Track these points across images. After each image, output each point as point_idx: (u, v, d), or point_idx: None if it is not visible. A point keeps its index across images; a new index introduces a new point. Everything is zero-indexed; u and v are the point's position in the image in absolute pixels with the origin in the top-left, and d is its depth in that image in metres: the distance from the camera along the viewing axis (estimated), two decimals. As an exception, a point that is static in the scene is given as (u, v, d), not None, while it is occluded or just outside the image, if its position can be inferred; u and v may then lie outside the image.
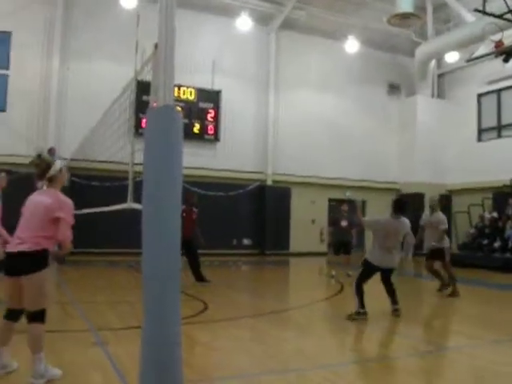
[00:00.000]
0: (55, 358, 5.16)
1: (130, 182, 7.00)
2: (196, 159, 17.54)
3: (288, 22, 21.18)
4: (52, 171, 4.75)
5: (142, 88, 8.37)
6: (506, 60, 12.88)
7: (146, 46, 6.79)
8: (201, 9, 19.65)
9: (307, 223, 21.40)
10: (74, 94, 17.90)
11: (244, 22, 20.34)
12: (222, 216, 19.38)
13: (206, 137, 19.76)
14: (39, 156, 4.86)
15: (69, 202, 4.78)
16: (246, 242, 18.91)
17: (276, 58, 21.51)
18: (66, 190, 15.80)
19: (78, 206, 14.21)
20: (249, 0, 20.00)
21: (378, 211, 22.99)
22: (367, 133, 22.97)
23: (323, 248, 21.14)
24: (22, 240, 4.51)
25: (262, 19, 21.10)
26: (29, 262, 4.46)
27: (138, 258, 12.93)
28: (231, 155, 20.03)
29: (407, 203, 8.38)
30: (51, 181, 4.77)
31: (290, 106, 21.55)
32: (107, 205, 10.20)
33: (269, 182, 20.99)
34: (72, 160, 15.20)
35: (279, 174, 21.06)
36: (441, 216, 10.48)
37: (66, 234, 4.63)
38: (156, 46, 3.29)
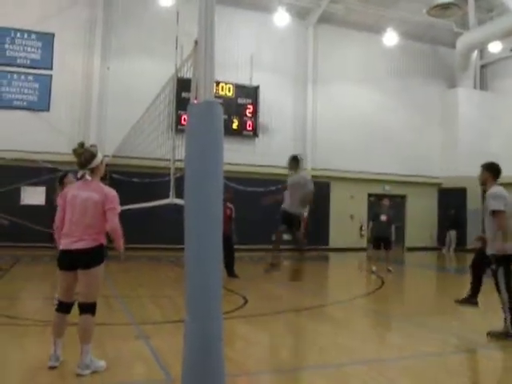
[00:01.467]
0: (99, 351, 5.28)
1: (172, 178, 7.08)
2: (235, 155, 17.59)
3: (326, 16, 21.02)
4: (95, 162, 4.85)
5: (182, 85, 8.41)
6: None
7: (185, 43, 6.87)
8: (238, 4, 19.70)
9: (346, 218, 21.24)
10: (115, 92, 18.18)
11: (281, 17, 20.25)
12: (261, 211, 19.36)
13: (245, 133, 19.80)
14: (82, 145, 4.99)
15: (113, 192, 4.90)
16: (285, 237, 18.84)
17: (314, 52, 21.38)
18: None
19: (121, 202, 14.40)
20: (286, -6, 19.96)
21: (419, 206, 22.75)
22: (407, 126, 22.61)
23: (363, 243, 21.00)
24: (77, 237, 4.63)
25: (299, 14, 21.01)
26: (87, 258, 4.63)
27: (177, 253, 13.08)
28: (270, 150, 20.01)
29: None
30: (93, 171, 4.86)
31: (328, 100, 21.39)
32: (147, 201, 10.37)
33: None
34: (113, 157, 15.47)
35: (318, 168, 20.92)
36: None
37: (114, 223, 4.77)
38: (196, 43, 3.33)
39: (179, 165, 7.09)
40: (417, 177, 22.51)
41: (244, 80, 19.71)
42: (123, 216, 15.71)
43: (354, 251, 20.11)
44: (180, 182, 6.84)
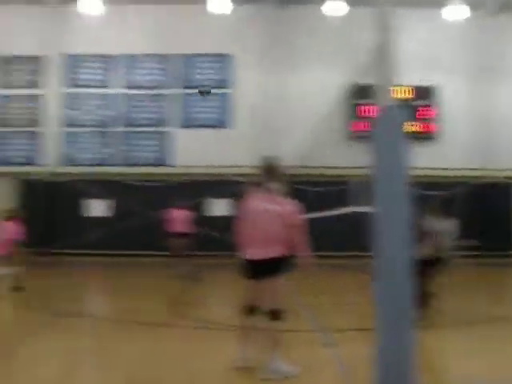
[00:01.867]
0: (287, 357, 5.42)
1: (353, 186, 7.05)
2: (415, 158, 16.94)
3: (506, 4, 19.41)
4: (279, 174, 5.11)
5: (356, 91, 8.40)
6: None
7: (356, 51, 6.83)
8: (408, 4, 19.06)
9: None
10: (292, 105, 18.64)
11: (455, 11, 19.16)
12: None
13: (424, 135, 19.05)
14: (267, 159, 5.25)
15: (296, 205, 5.05)
16: (470, 243, 17.64)
17: (495, 44, 19.85)
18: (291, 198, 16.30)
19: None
20: (460, -13, 18.90)
21: None
22: None
23: None
24: (263, 248, 4.83)
25: (474, 5, 19.67)
26: (273, 267, 4.84)
27: (357, 260, 12.94)
28: (452, 153, 18.96)
29: None
30: (276, 183, 5.04)
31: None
32: (324, 210, 10.46)
33: (492, 179, 19.39)
34: (293, 167, 15.88)
35: (503, 169, 19.31)
36: None
37: (300, 237, 4.97)
38: (375, 48, 3.29)
39: (355, 172, 7.05)
40: None
41: (422, 81, 18.96)
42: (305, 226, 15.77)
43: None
44: (360, 188, 6.83)
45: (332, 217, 10.14)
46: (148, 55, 19.19)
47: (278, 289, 4.90)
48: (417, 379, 2.90)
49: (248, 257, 4.94)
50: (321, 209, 11.14)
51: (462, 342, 6.44)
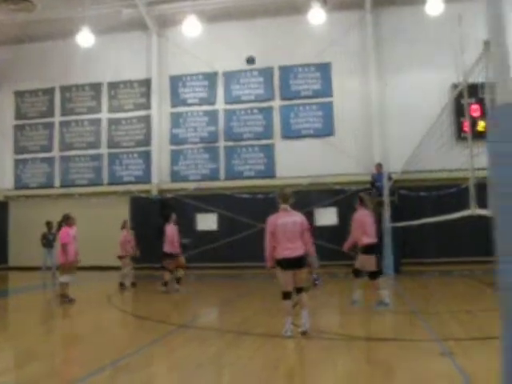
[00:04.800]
0: (405, 366, 5.30)
1: (472, 188, 6.75)
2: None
3: None
4: (291, 199, 7.14)
5: (461, 91, 7.99)
6: None
7: (460, 48, 6.56)
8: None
9: None
10: (394, 109, 18.28)
11: None
12: None
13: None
14: (283, 189, 7.37)
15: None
16: None
17: None
18: (396, 203, 16.07)
19: (406, 217, 14.39)
20: None
21: None
22: None
23: None
24: (296, 248, 6.87)
25: None
26: (302, 261, 6.97)
27: (473, 266, 12.35)
28: None
29: None
30: (290, 205, 7.13)
31: None
32: (435, 214, 10.10)
33: None
34: (401, 173, 15.53)
35: None
36: None
37: (310, 240, 7.09)
38: (486, 43, 3.17)
39: (463, 174, 6.78)
40: None
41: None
42: (414, 232, 15.57)
43: None
44: (475, 191, 6.55)
45: (447, 222, 9.76)
46: (248, 70, 19.62)
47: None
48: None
49: (288, 256, 6.97)
50: (433, 214, 10.77)
51: None
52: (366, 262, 9.06)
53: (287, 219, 6.94)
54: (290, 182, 17.49)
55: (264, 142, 19.33)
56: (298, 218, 7.02)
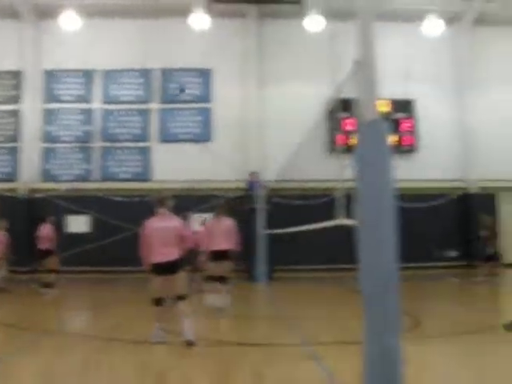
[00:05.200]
0: (273, 370, 5.42)
1: (340, 199, 7.09)
2: (396, 171, 17.12)
3: (480, 17, 19.83)
4: (170, 203, 7.07)
5: (337, 106, 8.41)
6: None
7: (338, 64, 6.89)
8: (386, 18, 19.27)
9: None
10: (272, 119, 18.78)
11: (432, 25, 19.58)
12: (423, 228, 18.65)
13: (403, 148, 19.28)
14: (160, 193, 7.37)
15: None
16: (451, 253, 17.89)
17: (470, 57, 20.18)
18: (269, 211, 16.43)
19: (281, 225, 14.80)
20: (435, 1, 19.24)
21: None
22: None
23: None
24: (169, 253, 6.78)
25: (450, 19, 20.06)
26: (176, 266, 6.81)
27: (342, 273, 12.99)
28: (429, 165, 19.20)
29: None
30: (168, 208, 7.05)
31: (489, 106, 19.98)
32: (309, 222, 10.48)
33: (472, 190, 19.69)
34: (274, 181, 15.93)
35: (482, 179, 19.62)
36: None
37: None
38: (356, 62, 3.34)
39: (337, 185, 7.11)
40: None
41: (400, 94, 19.22)
42: (286, 239, 16.06)
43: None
44: (347, 202, 6.86)
45: (318, 230, 10.18)
46: (128, 69, 19.15)
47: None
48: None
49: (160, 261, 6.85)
50: (306, 222, 11.16)
51: (449, 353, 6.48)
52: (215, 268, 9.30)
53: (163, 224, 6.88)
54: (166, 186, 17.30)
55: (141, 144, 18.93)
56: (174, 222, 6.97)
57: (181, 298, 6.81)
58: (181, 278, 6.89)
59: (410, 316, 8.43)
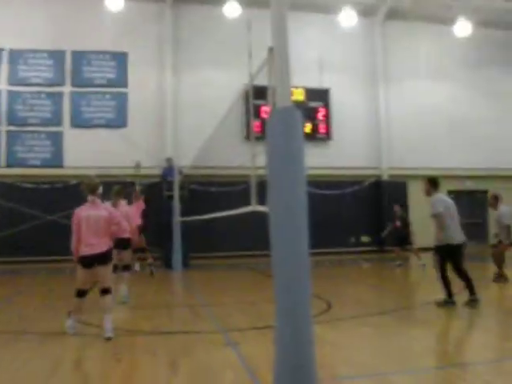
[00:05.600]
0: (189, 358, 5.40)
1: (253, 186, 7.13)
2: (308, 159, 17.32)
3: (393, 12, 20.64)
4: (100, 189, 6.65)
5: (254, 93, 8.39)
6: None
7: (255, 51, 6.90)
8: (303, 8, 19.65)
9: (427, 217, 20.54)
10: (189, 105, 18.63)
11: (347, 17, 20.16)
12: (338, 214, 19.24)
13: (318, 136, 19.73)
14: (90, 177, 6.74)
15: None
16: (364, 239, 18.62)
17: (383, 50, 21.00)
18: (186, 198, 16.42)
19: (197, 212, 14.78)
20: (350, -7, 19.81)
21: (506, 201, 21.63)
22: (487, 118, 21.69)
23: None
24: (98, 244, 6.42)
25: (365, 12, 20.73)
26: (104, 258, 6.48)
27: (257, 259, 13.15)
28: (344, 153, 19.82)
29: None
30: (97, 196, 6.60)
31: (401, 97, 20.93)
32: (226, 209, 10.50)
33: (384, 177, 20.53)
34: (190, 168, 15.81)
35: (394, 167, 20.51)
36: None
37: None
38: (270, 50, 3.34)
39: (256, 172, 7.16)
40: (499, 170, 21.53)
41: (314, 83, 19.61)
42: (204, 226, 16.07)
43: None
44: (260, 189, 6.91)
45: (233, 217, 10.23)
46: (37, 50, 18.27)
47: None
48: (314, 373, 2.98)
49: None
50: (220, 209, 11.17)
51: (360, 334, 6.71)
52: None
53: (92, 212, 6.44)
54: (78, 173, 16.78)
55: (52, 128, 18.20)
56: (104, 211, 6.54)
57: (105, 291, 6.49)
58: (107, 271, 6.54)
59: (322, 299, 8.67)
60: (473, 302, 7.87)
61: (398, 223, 14.74)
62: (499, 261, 10.96)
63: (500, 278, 10.82)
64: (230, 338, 6.26)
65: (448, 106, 21.26)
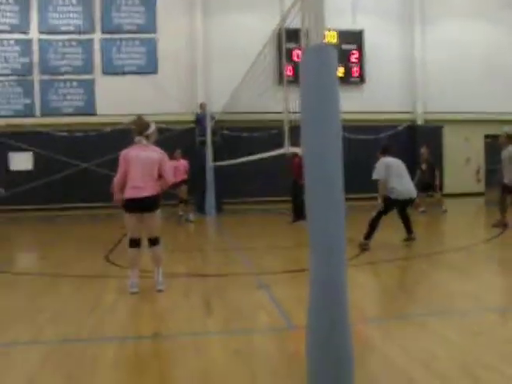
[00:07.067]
0: (223, 300, 5.52)
1: (286, 128, 7.06)
2: (342, 103, 17.16)
3: None
4: (150, 130, 6.09)
5: (286, 36, 8.17)
6: None
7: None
8: None
9: (461, 162, 20.22)
10: (219, 49, 18.30)
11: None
12: (371, 159, 18.99)
13: (352, 79, 19.28)
14: (139, 117, 6.24)
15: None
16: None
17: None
18: (218, 143, 16.35)
19: (230, 157, 14.77)
20: None
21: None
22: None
23: (481, 188, 20.08)
24: (145, 188, 5.87)
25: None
26: (151, 204, 5.97)
27: (288, 205, 13.19)
28: (378, 96, 19.33)
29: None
30: (148, 137, 6.06)
31: (437, 39, 20.14)
32: (257, 154, 10.47)
33: (419, 122, 20.05)
34: (222, 113, 15.73)
35: (429, 112, 20.00)
36: None
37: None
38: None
39: (289, 116, 7.08)
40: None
41: (347, 25, 19.02)
42: (236, 172, 16.06)
43: (471, 196, 19.24)
44: (293, 133, 6.84)
45: (266, 162, 10.24)
46: (66, -3, 18.09)
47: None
48: (347, 314, 3.01)
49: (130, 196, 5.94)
50: (252, 154, 11.15)
51: (391, 276, 6.75)
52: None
53: (142, 153, 5.90)
54: (111, 120, 16.89)
55: (83, 77, 18.14)
56: (155, 154, 5.97)
57: (154, 241, 6.06)
58: (155, 219, 5.99)
59: (356, 242, 8.66)
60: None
61: (424, 166, 14.45)
62: (503, 206, 10.71)
63: (500, 224, 10.54)
64: (262, 280, 6.36)
65: (487, 48, 20.40)
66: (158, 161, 5.95)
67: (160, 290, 5.94)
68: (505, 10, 20.61)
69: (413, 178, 15.65)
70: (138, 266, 6.09)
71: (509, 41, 20.68)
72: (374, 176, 8.79)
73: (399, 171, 8.87)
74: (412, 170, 18.72)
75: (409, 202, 8.95)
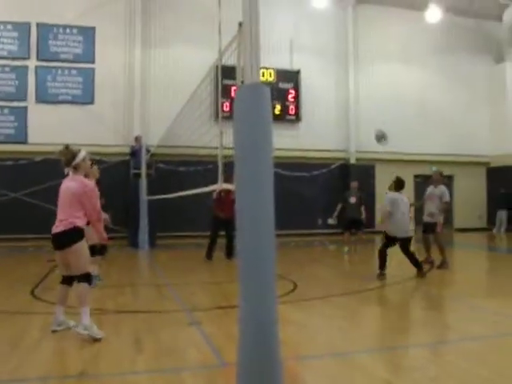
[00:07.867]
0: (153, 337, 5.38)
1: (220, 164, 7.08)
2: (278, 140, 17.28)
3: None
4: (77, 160, 5.61)
5: (223, 72, 8.26)
6: None
7: (226, 28, 6.78)
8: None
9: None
10: (157, 82, 18.34)
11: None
12: (305, 196, 19.32)
13: (288, 117, 19.69)
14: (67, 147, 5.73)
15: (91, 184, 5.74)
16: (330, 221, 18.75)
17: (354, 33, 21.01)
18: (153, 176, 16.24)
19: (165, 191, 14.63)
20: (322, -25, 19.67)
21: (467, 186, 22.21)
22: (453, 104, 22.04)
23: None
24: (60, 222, 5.41)
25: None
26: (63, 240, 5.40)
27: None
28: (313, 135, 19.84)
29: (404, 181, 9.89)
30: (76, 168, 5.60)
31: (370, 81, 21.01)
32: (192, 189, 10.43)
33: (352, 160, 20.67)
34: (158, 146, 15.63)
35: (362, 151, 20.66)
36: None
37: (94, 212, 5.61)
38: (240, 25, 3.28)
39: (225, 152, 7.11)
40: (464, 156, 21.96)
41: (285, 64, 19.54)
42: (169, 205, 15.93)
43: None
44: (227, 168, 6.86)
45: (196, 197, 10.21)
46: (2, 22, 17.64)
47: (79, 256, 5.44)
48: (278, 353, 2.99)
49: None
50: (187, 188, 11.09)
51: (324, 314, 6.78)
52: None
53: (63, 185, 5.55)
54: (42, 149, 16.41)
55: (16, 104, 17.67)
56: (74, 184, 5.47)
57: (78, 278, 5.42)
58: (74, 255, 5.37)
59: (288, 280, 8.72)
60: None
61: (353, 199, 13.98)
62: (425, 244, 10.90)
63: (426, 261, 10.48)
64: (194, 317, 6.26)
65: (416, 91, 21.47)
66: (78, 193, 5.41)
67: (79, 334, 5.26)
68: (432, 54, 21.85)
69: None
70: (63, 303, 5.63)
71: (437, 84, 21.85)
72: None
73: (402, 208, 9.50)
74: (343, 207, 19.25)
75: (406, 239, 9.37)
